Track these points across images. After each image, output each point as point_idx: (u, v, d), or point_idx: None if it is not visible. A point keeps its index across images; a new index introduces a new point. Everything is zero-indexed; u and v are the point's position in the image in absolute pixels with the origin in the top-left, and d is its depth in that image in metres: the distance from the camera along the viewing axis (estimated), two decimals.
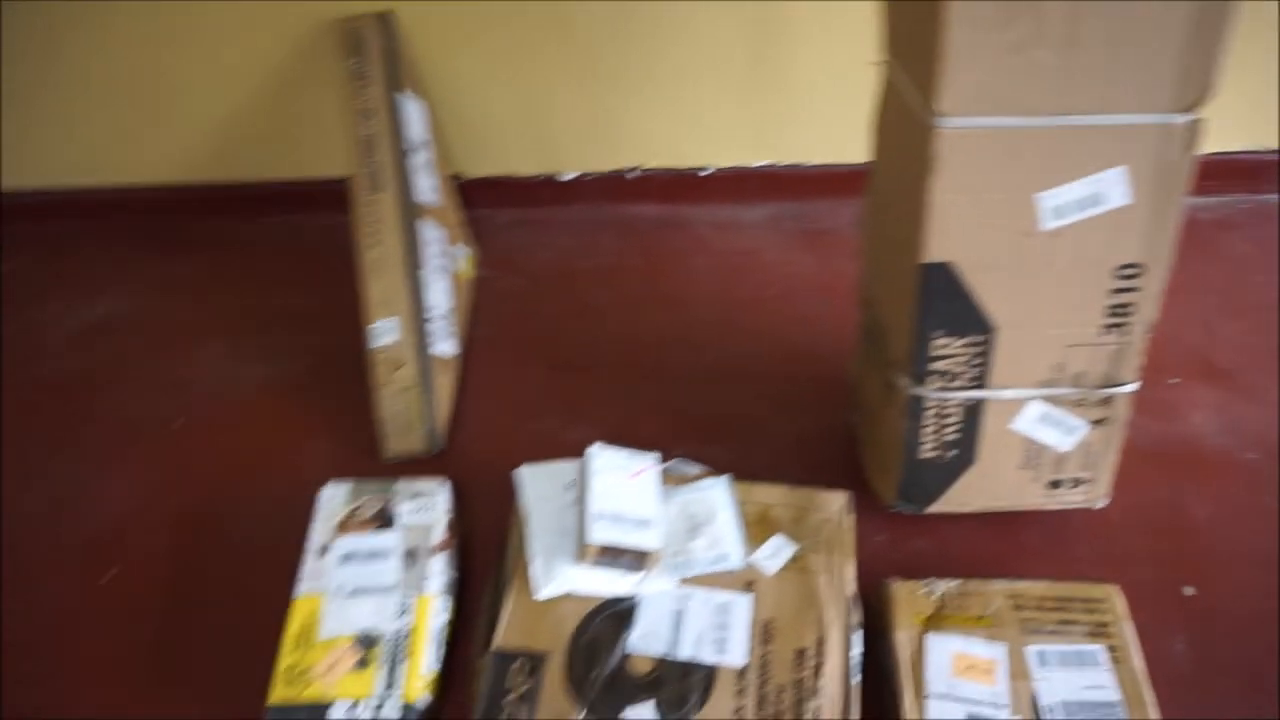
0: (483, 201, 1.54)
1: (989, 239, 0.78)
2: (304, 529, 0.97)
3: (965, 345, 0.85)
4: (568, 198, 1.55)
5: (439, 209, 1.26)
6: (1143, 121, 0.72)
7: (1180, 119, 0.72)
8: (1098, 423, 0.92)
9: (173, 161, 1.55)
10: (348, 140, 1.17)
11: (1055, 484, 0.98)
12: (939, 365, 0.87)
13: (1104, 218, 0.77)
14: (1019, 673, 0.84)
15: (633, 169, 1.52)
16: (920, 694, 0.82)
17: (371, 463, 1.13)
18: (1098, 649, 0.85)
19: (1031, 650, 0.85)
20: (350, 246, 1.16)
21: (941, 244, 0.78)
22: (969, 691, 0.83)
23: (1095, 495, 1.00)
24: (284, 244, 1.56)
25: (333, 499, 0.97)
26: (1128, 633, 0.86)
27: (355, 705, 0.81)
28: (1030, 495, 0.99)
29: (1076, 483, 0.98)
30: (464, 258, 1.37)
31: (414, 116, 1.26)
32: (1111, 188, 0.75)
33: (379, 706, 0.81)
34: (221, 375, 1.31)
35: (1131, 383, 0.90)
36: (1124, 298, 0.83)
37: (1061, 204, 0.76)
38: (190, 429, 1.24)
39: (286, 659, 0.84)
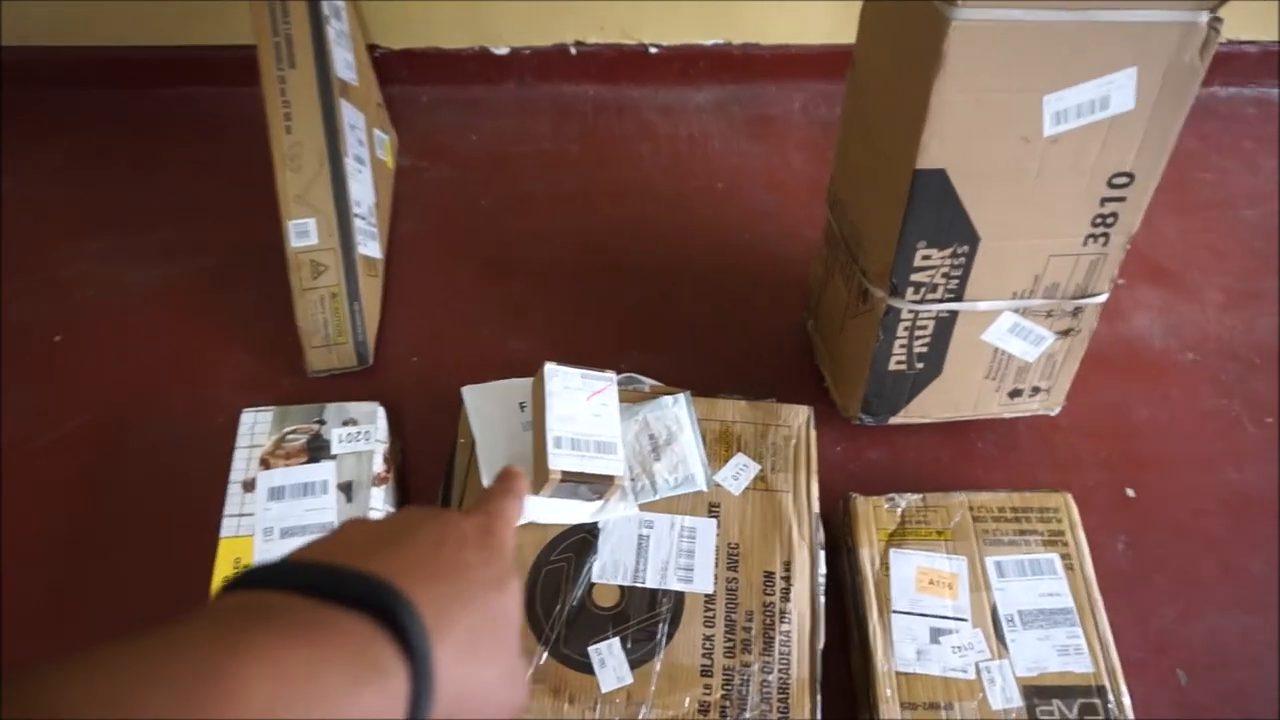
0: (402, 78, 1.38)
1: (987, 145, 0.72)
2: (217, 459, 0.88)
3: (947, 256, 0.81)
4: (500, 75, 1.41)
5: (357, 88, 1.11)
6: (1165, 19, 0.66)
7: (1203, 18, 0.67)
8: (1064, 333, 0.91)
9: (44, 19, 1.32)
10: (252, 2, 0.99)
11: (1015, 393, 0.97)
12: (919, 277, 0.82)
13: (1104, 124, 0.72)
14: (978, 584, 0.84)
15: (575, 44, 1.38)
16: (886, 611, 0.82)
17: (292, 379, 1.03)
18: (1053, 557, 0.86)
19: (990, 561, 0.86)
20: (262, 124, 1.01)
21: (938, 149, 0.72)
22: (931, 606, 0.83)
23: (1052, 403, 0.99)
24: (181, 121, 1.37)
25: (254, 426, 0.87)
26: (1080, 540, 0.87)
27: None
28: (990, 404, 0.98)
29: (1035, 391, 0.97)
30: (385, 144, 1.23)
31: None
32: (1119, 91, 0.70)
33: None
34: (109, 278, 1.16)
35: (1103, 294, 0.88)
36: (1110, 208, 0.79)
37: (1064, 108, 0.71)
38: (75, 342, 1.09)
39: None
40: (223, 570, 0.78)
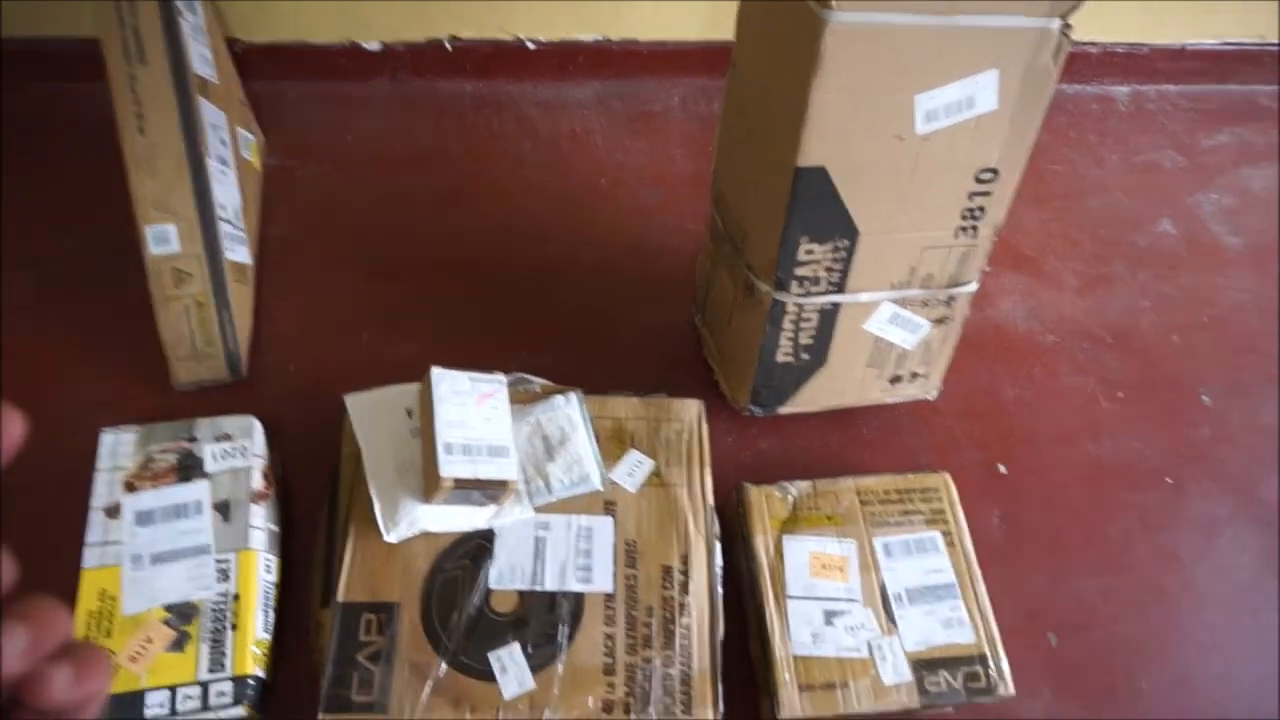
0: (266, 73, 1.31)
1: (864, 142, 0.74)
2: (75, 485, 0.81)
3: (829, 250, 0.83)
4: (372, 71, 1.36)
5: (217, 85, 1.05)
6: (1022, 25, 0.70)
7: (1055, 24, 0.71)
8: (939, 321, 0.95)
9: None
10: None
11: (896, 379, 1.01)
12: (803, 271, 0.84)
13: (971, 123, 0.76)
14: (867, 566, 0.87)
15: (450, 39, 1.34)
16: (781, 598, 0.84)
17: (156, 396, 0.96)
18: (935, 535, 0.90)
19: (878, 543, 0.89)
20: (111, 124, 0.94)
21: (818, 147, 0.74)
22: (825, 589, 0.85)
23: (929, 388, 1.04)
24: (15, 119, 1.26)
25: (116, 448, 0.81)
26: (959, 517, 0.91)
27: (175, 693, 0.70)
28: (873, 391, 1.01)
29: (914, 377, 1.01)
30: (251, 144, 1.17)
31: None
32: (983, 92, 0.74)
33: (204, 690, 0.70)
34: None
35: (973, 283, 0.92)
36: (978, 201, 0.83)
37: (935, 107, 0.74)
38: None
39: None
40: (86, 604, 0.73)
